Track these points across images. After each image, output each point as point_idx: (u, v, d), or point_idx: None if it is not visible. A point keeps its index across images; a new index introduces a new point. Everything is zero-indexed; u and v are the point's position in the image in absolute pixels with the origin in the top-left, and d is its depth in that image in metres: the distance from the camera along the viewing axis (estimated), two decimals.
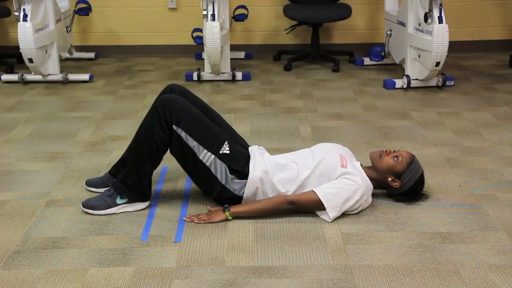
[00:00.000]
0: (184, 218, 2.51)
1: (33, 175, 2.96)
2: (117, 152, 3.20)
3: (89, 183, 2.79)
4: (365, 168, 2.62)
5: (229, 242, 2.34)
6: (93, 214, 2.54)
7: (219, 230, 2.43)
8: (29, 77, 4.61)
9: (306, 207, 2.50)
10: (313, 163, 2.55)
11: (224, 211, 2.50)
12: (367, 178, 2.56)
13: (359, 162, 2.66)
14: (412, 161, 2.58)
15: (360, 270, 2.15)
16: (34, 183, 2.88)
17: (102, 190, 2.67)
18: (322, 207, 2.46)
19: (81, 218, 2.53)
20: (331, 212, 2.46)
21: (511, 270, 2.15)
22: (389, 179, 2.58)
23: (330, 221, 2.47)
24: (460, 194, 2.75)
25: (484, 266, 2.17)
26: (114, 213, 2.54)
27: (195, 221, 2.49)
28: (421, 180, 2.62)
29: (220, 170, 2.49)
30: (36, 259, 2.23)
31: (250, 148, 2.68)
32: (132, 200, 2.57)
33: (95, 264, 2.20)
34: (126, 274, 2.14)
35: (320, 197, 2.45)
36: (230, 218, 2.49)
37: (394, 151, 2.62)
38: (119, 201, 2.55)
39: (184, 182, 2.86)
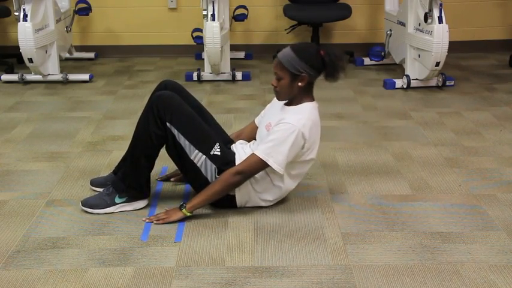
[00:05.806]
0: (144, 219, 2.49)
1: (33, 175, 2.96)
2: (117, 152, 3.20)
3: (94, 182, 2.79)
4: (293, 108, 2.53)
5: (229, 242, 2.34)
6: (92, 213, 2.54)
7: (219, 230, 2.43)
8: (29, 77, 4.61)
9: (253, 171, 2.44)
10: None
11: (180, 209, 2.47)
12: (304, 112, 2.48)
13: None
14: (285, 65, 2.43)
15: (360, 270, 2.15)
16: (34, 183, 2.88)
17: None
18: (267, 165, 2.41)
19: (81, 218, 2.53)
20: (275, 165, 2.39)
21: (511, 270, 2.15)
22: (299, 84, 2.46)
23: (281, 173, 2.43)
24: (460, 194, 2.75)
25: (484, 266, 2.17)
26: (113, 212, 2.54)
27: (154, 221, 2.46)
28: (311, 57, 2.46)
29: (210, 171, 2.49)
30: (36, 259, 2.23)
31: (232, 146, 2.66)
32: (131, 198, 2.56)
33: (94, 264, 2.20)
34: (126, 274, 2.13)
35: (261, 156, 2.40)
36: (188, 214, 2.47)
37: (272, 84, 2.51)
38: (117, 200, 2.55)
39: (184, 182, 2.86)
